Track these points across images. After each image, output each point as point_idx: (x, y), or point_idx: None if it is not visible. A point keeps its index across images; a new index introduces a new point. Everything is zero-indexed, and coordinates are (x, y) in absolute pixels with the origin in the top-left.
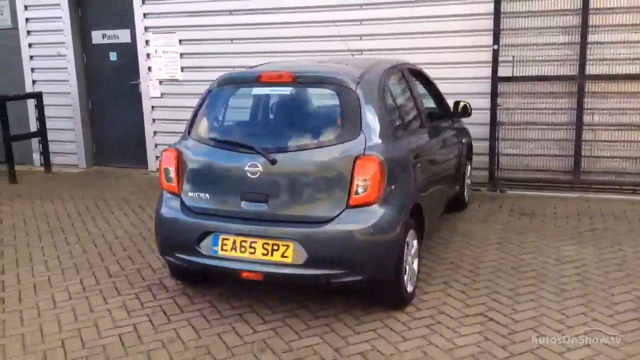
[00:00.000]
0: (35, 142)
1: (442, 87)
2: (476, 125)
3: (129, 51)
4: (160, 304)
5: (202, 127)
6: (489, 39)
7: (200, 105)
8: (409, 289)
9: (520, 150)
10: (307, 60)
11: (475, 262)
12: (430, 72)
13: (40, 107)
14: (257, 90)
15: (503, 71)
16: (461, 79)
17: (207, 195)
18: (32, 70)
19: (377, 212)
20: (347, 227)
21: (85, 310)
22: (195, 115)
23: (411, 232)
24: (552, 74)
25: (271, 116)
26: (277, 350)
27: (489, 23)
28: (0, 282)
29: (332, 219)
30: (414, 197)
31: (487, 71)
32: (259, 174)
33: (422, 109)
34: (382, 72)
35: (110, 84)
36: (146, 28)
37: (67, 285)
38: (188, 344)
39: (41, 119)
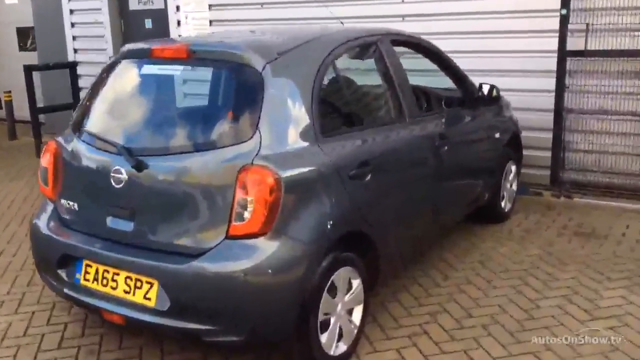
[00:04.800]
0: None
1: (496, 62)
2: (536, 111)
3: (163, 18)
4: (67, 322)
5: (85, 116)
6: (556, 2)
7: (90, 87)
8: (338, 350)
9: (592, 146)
10: (253, 29)
11: (470, 306)
12: (482, 43)
13: (74, 77)
14: (147, 69)
15: (573, 43)
16: (519, 52)
17: (75, 205)
18: (74, 38)
19: (264, 248)
20: (218, 266)
21: None
22: (81, 101)
23: (345, 271)
24: None
25: (154, 105)
26: None
27: None
28: None
29: (203, 253)
30: (350, 223)
31: (553, 43)
32: (124, 182)
33: (405, 96)
34: (327, 47)
35: None
36: None
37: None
38: None
39: (74, 90)
